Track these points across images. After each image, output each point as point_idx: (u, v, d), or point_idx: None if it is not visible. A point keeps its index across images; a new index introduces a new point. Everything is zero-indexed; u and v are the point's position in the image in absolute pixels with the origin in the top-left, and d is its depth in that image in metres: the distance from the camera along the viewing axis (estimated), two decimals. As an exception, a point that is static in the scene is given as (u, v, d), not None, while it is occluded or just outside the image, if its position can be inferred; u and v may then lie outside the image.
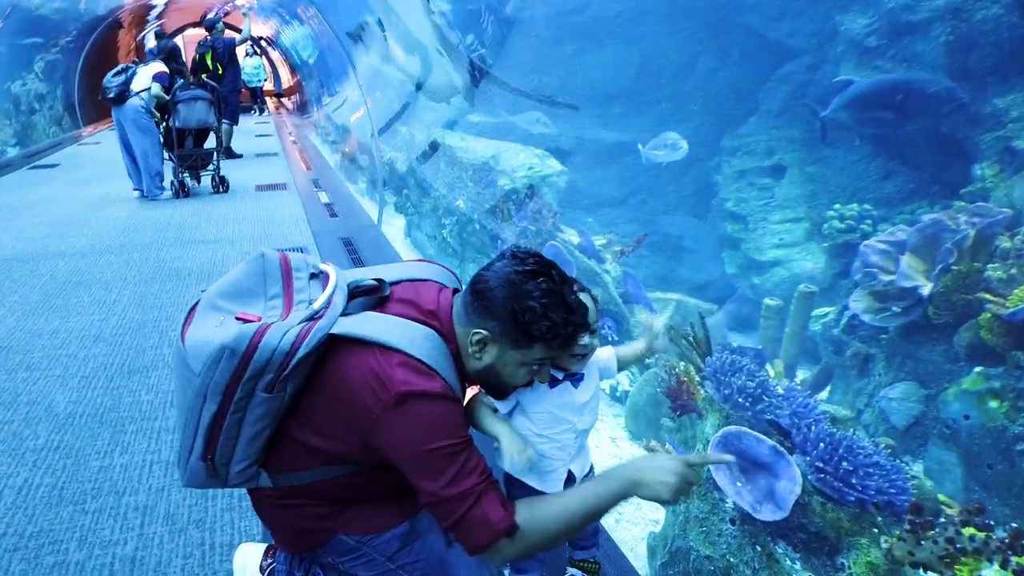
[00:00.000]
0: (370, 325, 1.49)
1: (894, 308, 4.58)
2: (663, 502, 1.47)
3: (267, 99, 22.14)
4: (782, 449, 3.15)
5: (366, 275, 1.67)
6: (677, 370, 3.85)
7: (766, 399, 3.24)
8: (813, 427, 3.18)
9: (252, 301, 1.56)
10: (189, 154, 8.44)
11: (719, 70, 6.78)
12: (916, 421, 4.50)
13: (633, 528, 4.01)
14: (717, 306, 6.13)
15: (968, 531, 2.59)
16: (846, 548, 3.08)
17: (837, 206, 6.27)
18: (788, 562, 2.92)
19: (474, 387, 1.72)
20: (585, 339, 1.66)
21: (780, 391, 3.34)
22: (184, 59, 9.80)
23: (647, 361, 5.02)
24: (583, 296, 1.70)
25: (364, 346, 1.47)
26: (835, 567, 2.99)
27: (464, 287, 1.62)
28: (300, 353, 1.42)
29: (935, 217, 4.39)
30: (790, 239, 6.39)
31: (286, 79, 23.07)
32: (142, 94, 7.86)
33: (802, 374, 5.50)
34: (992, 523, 2.61)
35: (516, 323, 1.48)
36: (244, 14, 13.10)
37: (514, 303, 1.48)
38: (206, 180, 8.80)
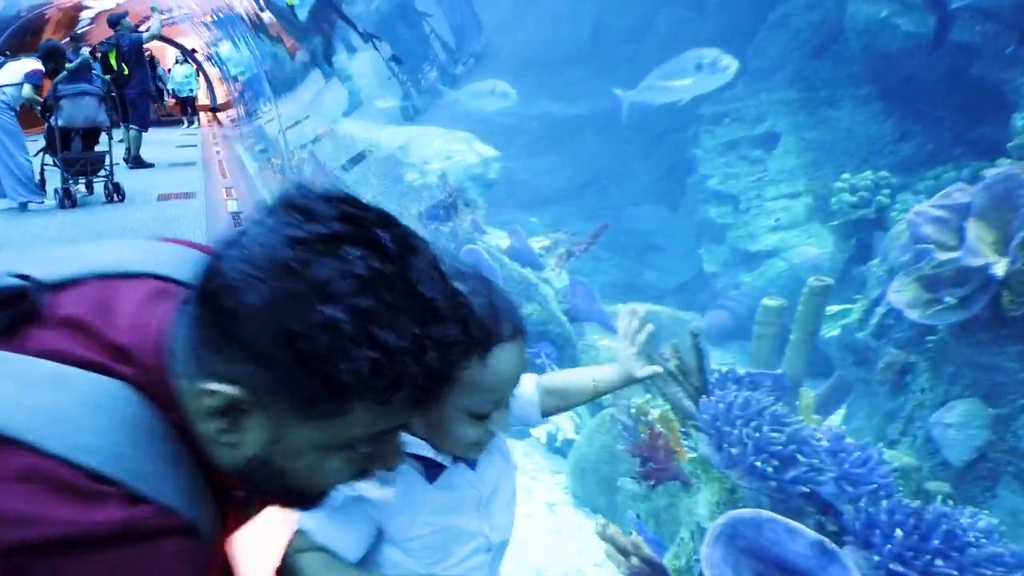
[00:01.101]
0: None
1: (948, 299, 3.33)
2: None
3: (200, 112, 21.80)
4: (832, 547, 1.86)
5: (13, 265, 0.88)
6: (649, 417, 2.57)
7: (803, 460, 1.96)
8: (882, 501, 1.90)
9: None
10: (76, 158, 7.44)
11: (691, 22, 5.56)
12: (981, 455, 3.33)
13: None
14: (699, 315, 4.90)
15: None
16: None
17: (846, 176, 5.11)
18: None
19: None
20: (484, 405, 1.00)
21: (824, 442, 2.06)
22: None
23: (602, 399, 3.77)
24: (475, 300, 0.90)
25: None
26: None
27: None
28: None
29: (1007, 170, 3.24)
30: (789, 220, 5.19)
31: (222, 95, 22.43)
32: (4, 89, 7.02)
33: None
34: None
35: (298, 366, 0.75)
36: (154, 8, 12.00)
37: (290, 320, 0.74)
38: (100, 188, 7.91)
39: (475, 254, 4.06)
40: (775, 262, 5.08)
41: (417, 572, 1.12)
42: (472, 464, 1.15)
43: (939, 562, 1.82)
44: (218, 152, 13.49)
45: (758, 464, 2.02)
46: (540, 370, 4.23)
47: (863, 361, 4.04)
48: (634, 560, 2.24)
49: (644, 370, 1.32)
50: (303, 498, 0.92)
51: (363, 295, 0.75)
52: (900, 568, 1.83)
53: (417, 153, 5.19)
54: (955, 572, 1.79)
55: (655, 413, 2.51)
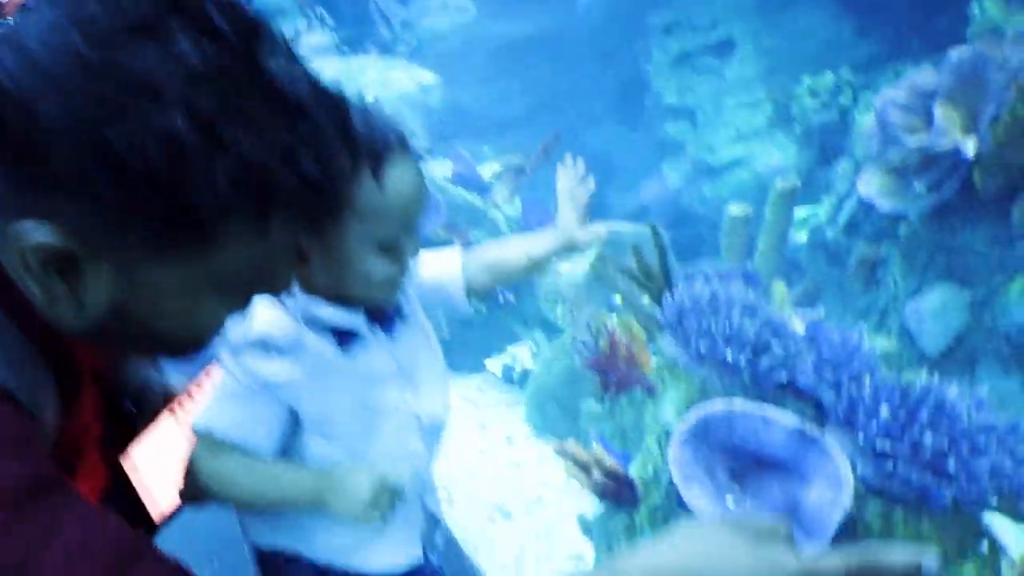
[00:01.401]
0: None
1: (918, 186, 3.19)
2: None
3: None
4: (813, 431, 1.71)
5: None
6: (609, 326, 2.38)
7: (777, 346, 1.79)
8: (865, 381, 1.75)
9: None
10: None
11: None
12: (958, 340, 3.23)
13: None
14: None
15: None
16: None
17: (806, 79, 4.90)
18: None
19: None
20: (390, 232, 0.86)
21: (799, 329, 1.90)
22: None
23: (559, 322, 3.59)
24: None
25: None
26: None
27: None
28: None
29: (973, 49, 3.07)
30: (750, 129, 4.98)
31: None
32: None
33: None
34: None
35: (131, 191, 0.59)
36: None
37: (106, 133, 0.57)
38: None
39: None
40: (739, 172, 4.90)
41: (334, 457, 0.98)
42: (389, 330, 0.97)
43: (928, 435, 1.68)
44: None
45: (729, 357, 1.85)
46: (494, 299, 4.05)
47: (834, 260, 3.91)
48: (596, 475, 2.09)
49: (586, 233, 1.15)
50: (177, 347, 0.77)
51: (200, 89, 0.59)
52: (887, 445, 1.69)
53: (349, 85, 4.85)
54: (944, 441, 1.66)
55: (614, 320, 2.33)
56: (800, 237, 4.37)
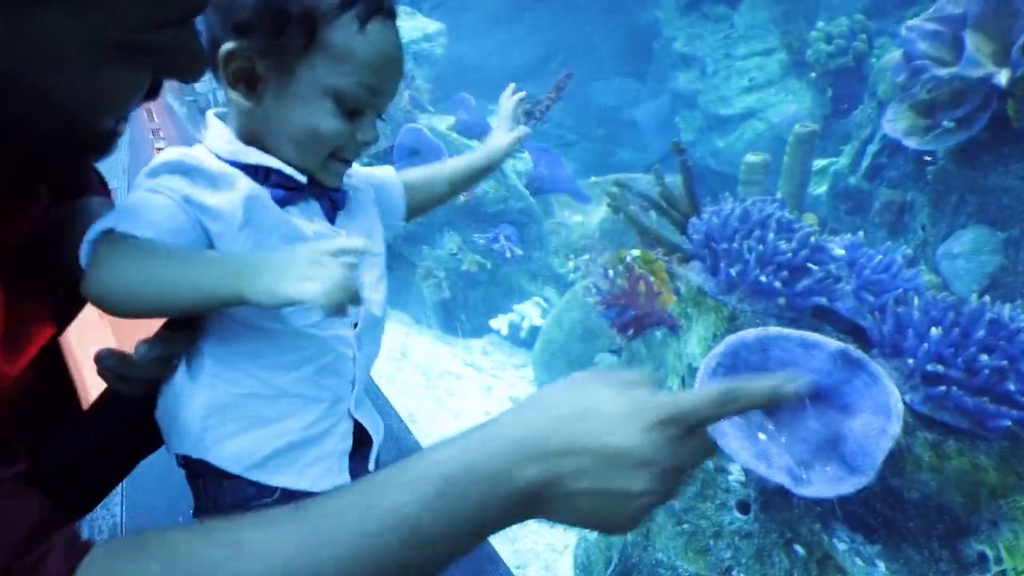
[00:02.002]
0: None
1: (947, 122, 3.01)
2: None
3: None
4: (858, 353, 1.56)
5: None
6: (627, 261, 2.23)
7: (816, 268, 1.64)
8: (914, 302, 1.59)
9: None
10: None
11: None
12: (993, 282, 3.08)
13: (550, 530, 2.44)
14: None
15: None
16: (987, 522, 1.68)
17: (820, 24, 4.70)
18: (860, 563, 1.67)
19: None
20: (354, 89, 0.78)
21: (839, 251, 1.74)
22: None
23: (572, 275, 3.41)
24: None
25: None
26: (963, 561, 1.69)
27: None
28: None
29: (1004, -27, 2.85)
30: (763, 78, 4.78)
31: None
32: None
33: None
34: None
35: None
36: None
37: None
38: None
39: (415, 132, 3.60)
40: (753, 123, 4.71)
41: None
42: (327, 207, 0.86)
43: (984, 356, 1.52)
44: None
45: (763, 279, 1.69)
46: (500, 255, 3.87)
47: (857, 208, 3.73)
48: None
49: (514, 133, 1.13)
50: (83, 133, 0.67)
51: None
52: (939, 368, 1.53)
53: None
54: (1004, 362, 1.50)
55: (631, 256, 2.17)
56: (819, 188, 4.19)
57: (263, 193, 0.78)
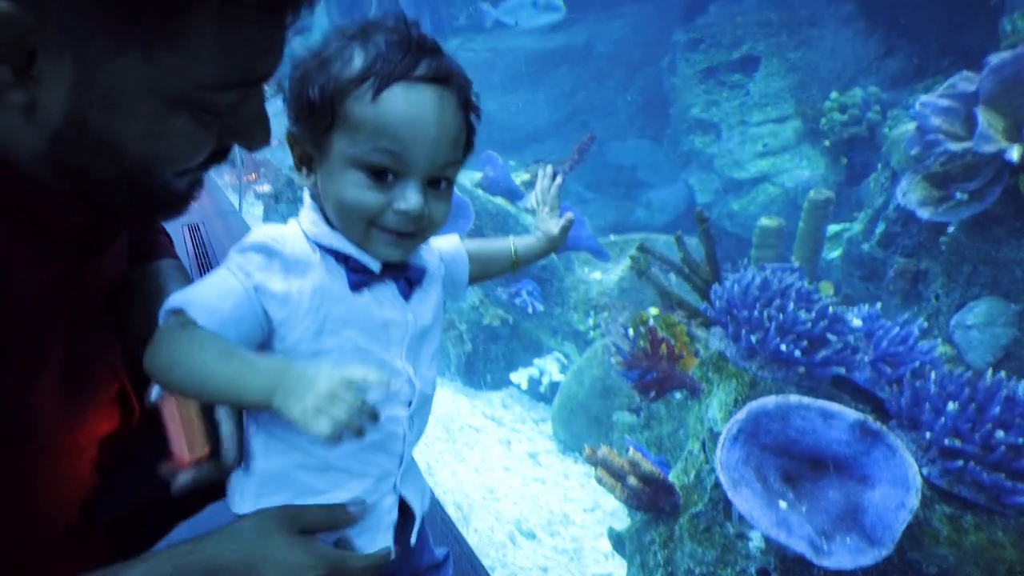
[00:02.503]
0: None
1: (960, 194, 3.09)
2: None
3: None
4: (877, 425, 1.60)
5: None
6: (648, 323, 2.29)
7: (835, 338, 1.69)
8: (930, 375, 1.64)
9: None
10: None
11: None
12: (1007, 354, 3.10)
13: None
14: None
15: None
16: (1007, 600, 1.67)
17: (834, 94, 4.84)
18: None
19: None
20: (372, 154, 0.81)
21: (856, 322, 1.80)
22: None
23: (591, 332, 3.48)
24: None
25: None
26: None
27: None
28: None
29: (1016, 52, 2.97)
30: (777, 144, 4.91)
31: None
32: None
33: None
34: None
35: None
36: None
37: None
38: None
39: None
40: (767, 187, 4.82)
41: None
42: (406, 294, 0.90)
43: (1000, 432, 1.57)
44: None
45: (783, 348, 1.75)
46: (522, 310, 3.93)
47: (871, 275, 3.79)
48: (632, 481, 1.96)
49: (560, 223, 1.17)
50: (151, 186, 0.71)
51: None
52: (956, 443, 1.57)
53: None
54: (1020, 440, 1.54)
55: (652, 317, 2.23)
56: (834, 254, 4.27)
57: (334, 281, 0.83)
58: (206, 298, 0.79)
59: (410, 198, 0.81)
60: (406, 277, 0.90)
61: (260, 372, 0.75)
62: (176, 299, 0.79)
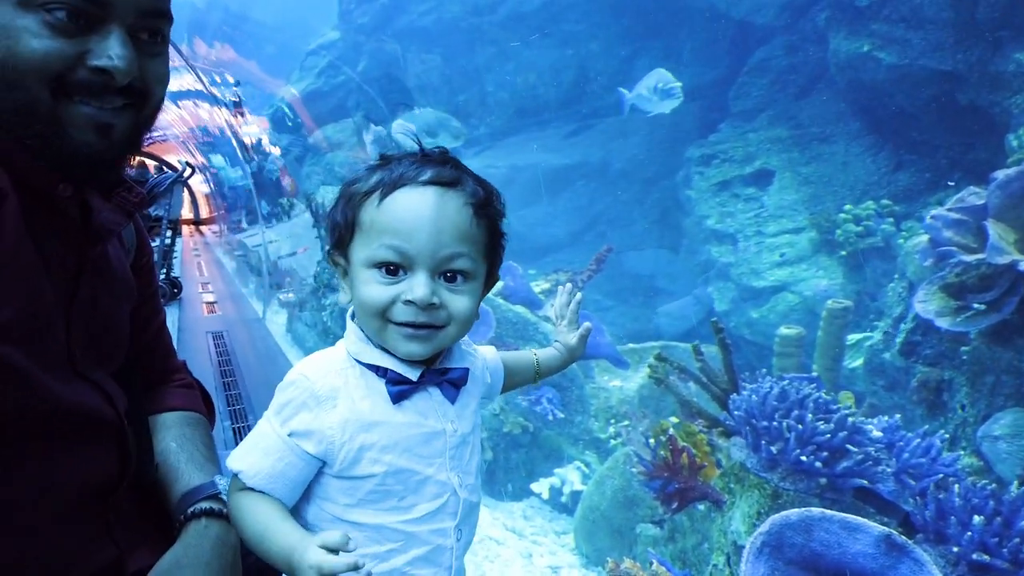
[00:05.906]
0: None
1: (976, 304, 3.12)
2: None
3: (183, 225, 22.16)
4: (902, 539, 1.58)
5: None
6: (668, 432, 2.30)
7: (855, 449, 1.70)
8: (954, 488, 1.63)
9: None
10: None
11: (668, 70, 5.59)
12: (1037, 466, 3.03)
13: None
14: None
15: None
16: None
17: (848, 206, 4.98)
18: None
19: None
20: (380, 251, 0.85)
21: (876, 432, 1.81)
22: None
23: (612, 440, 3.47)
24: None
25: None
26: None
27: None
28: None
29: (1020, 169, 3.08)
30: (794, 254, 5.01)
31: (205, 210, 22.90)
32: None
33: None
34: None
35: None
36: None
37: None
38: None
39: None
40: (785, 296, 4.87)
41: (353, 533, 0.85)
42: (448, 389, 0.92)
43: (1031, 549, 1.54)
44: (197, 254, 13.64)
45: (804, 458, 1.76)
46: (543, 418, 3.92)
47: (894, 384, 3.77)
48: (662, 594, 1.93)
49: (578, 333, 1.21)
50: (43, 115, 0.77)
51: None
52: (984, 557, 1.54)
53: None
54: (1051, 556, 1.51)
55: (673, 427, 2.24)
56: (855, 362, 4.26)
57: (374, 402, 0.87)
58: (251, 459, 0.87)
59: (416, 288, 0.84)
60: (449, 381, 0.92)
61: (281, 548, 0.82)
62: (232, 462, 0.88)
